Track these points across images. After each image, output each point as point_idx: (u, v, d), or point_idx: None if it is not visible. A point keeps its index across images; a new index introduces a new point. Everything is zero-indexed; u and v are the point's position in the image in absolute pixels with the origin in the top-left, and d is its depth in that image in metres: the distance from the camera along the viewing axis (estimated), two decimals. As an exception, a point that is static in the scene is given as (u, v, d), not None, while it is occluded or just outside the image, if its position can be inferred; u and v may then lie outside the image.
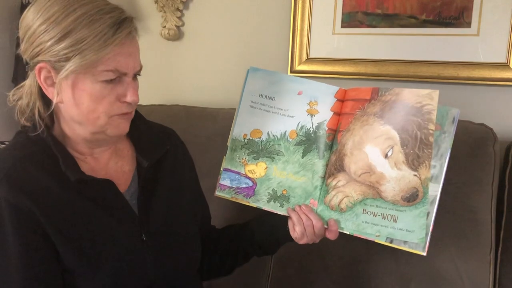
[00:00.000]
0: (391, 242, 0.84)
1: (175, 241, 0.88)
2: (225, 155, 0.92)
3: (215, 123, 1.39)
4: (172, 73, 1.69)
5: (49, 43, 0.73)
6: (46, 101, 0.80)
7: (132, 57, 0.78)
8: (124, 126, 0.81)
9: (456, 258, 1.09)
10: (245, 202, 0.91)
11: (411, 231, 0.83)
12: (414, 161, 0.83)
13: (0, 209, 0.72)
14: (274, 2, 1.53)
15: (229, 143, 0.93)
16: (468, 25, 1.30)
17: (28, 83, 0.80)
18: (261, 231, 0.96)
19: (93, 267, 0.77)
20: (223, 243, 1.01)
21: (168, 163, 0.92)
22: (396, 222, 0.83)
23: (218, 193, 0.92)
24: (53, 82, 0.76)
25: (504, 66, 1.27)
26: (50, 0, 0.74)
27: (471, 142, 1.13)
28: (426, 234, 0.82)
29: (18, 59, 3.13)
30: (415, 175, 0.83)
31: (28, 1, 3.08)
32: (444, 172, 0.82)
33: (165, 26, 1.65)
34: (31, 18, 0.75)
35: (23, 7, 3.09)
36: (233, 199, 0.92)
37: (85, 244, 0.77)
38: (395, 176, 0.84)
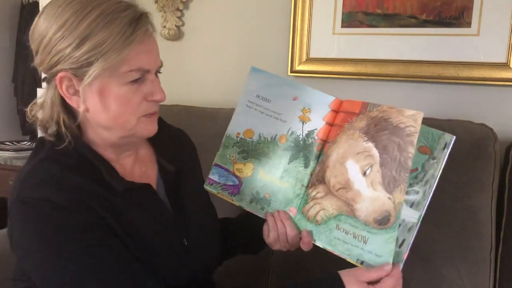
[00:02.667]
0: (361, 263, 0.80)
1: (208, 241, 0.89)
2: (218, 151, 0.93)
3: (215, 123, 1.39)
4: (172, 73, 1.70)
5: (68, 50, 0.70)
6: (69, 111, 0.77)
7: (153, 54, 0.77)
8: (153, 127, 0.80)
9: (456, 258, 1.09)
10: (229, 199, 0.91)
11: (379, 256, 0.78)
12: (390, 183, 0.79)
13: (66, 216, 0.70)
14: (274, 2, 1.53)
15: (223, 140, 0.93)
16: (468, 25, 1.30)
17: (47, 96, 0.77)
18: (242, 231, 0.97)
19: None
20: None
21: (187, 166, 0.92)
22: (365, 243, 0.79)
23: (206, 186, 0.93)
24: (75, 91, 0.73)
25: (504, 66, 1.27)
26: (61, 6, 0.71)
27: (471, 142, 1.13)
28: (398, 261, 0.77)
29: (18, 59, 3.13)
30: (389, 198, 0.79)
31: (28, 1, 3.08)
32: (428, 200, 0.77)
33: (165, 26, 1.65)
34: (43, 28, 0.72)
35: (23, 7, 3.10)
36: (219, 195, 0.92)
37: (133, 249, 0.75)
38: (370, 196, 0.80)
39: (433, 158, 0.78)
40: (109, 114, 0.74)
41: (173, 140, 0.92)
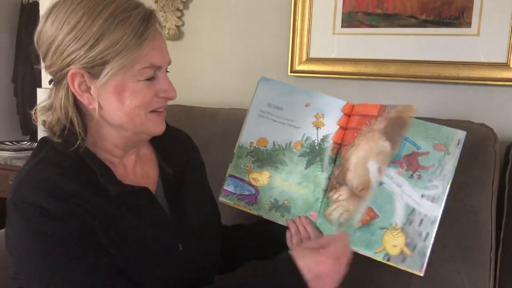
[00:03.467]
0: (388, 260, 0.83)
1: (206, 246, 0.88)
2: (231, 162, 0.92)
3: (215, 123, 1.39)
4: (172, 73, 1.69)
5: (82, 51, 0.70)
6: (79, 110, 0.77)
7: (164, 50, 0.77)
8: (162, 125, 0.81)
9: (456, 258, 1.09)
10: (247, 209, 0.92)
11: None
12: None
13: (55, 225, 0.70)
14: (274, 2, 1.53)
15: (235, 150, 0.93)
16: (468, 25, 1.30)
17: (55, 98, 0.76)
18: (262, 238, 0.96)
19: (132, 272, 0.76)
20: (229, 243, 1.00)
21: (189, 169, 0.91)
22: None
23: (221, 198, 0.93)
24: (87, 87, 0.73)
25: (504, 66, 1.27)
26: (70, 8, 0.71)
27: (471, 142, 1.13)
28: (423, 255, 0.82)
29: (18, 59, 3.13)
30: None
31: (28, 1, 3.08)
32: (446, 193, 0.83)
33: (165, 26, 1.65)
34: (52, 31, 0.72)
35: (23, 7, 3.10)
36: (236, 206, 0.92)
37: (125, 254, 0.75)
38: None
39: (448, 154, 0.84)
40: (123, 111, 0.74)
41: (174, 142, 0.92)
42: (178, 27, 1.67)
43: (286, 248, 0.90)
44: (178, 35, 1.67)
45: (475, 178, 1.11)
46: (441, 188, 0.83)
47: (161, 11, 1.65)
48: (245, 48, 1.60)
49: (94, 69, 0.71)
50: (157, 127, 0.80)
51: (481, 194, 1.11)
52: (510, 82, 1.27)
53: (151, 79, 0.75)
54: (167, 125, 0.89)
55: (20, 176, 0.74)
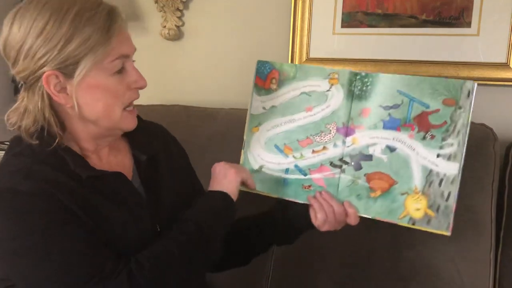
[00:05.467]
0: (413, 224, 0.82)
1: None
2: (243, 149, 0.93)
3: (215, 123, 1.39)
4: (172, 73, 1.69)
5: (55, 51, 0.72)
6: (54, 110, 0.78)
7: (130, 40, 0.81)
8: (134, 121, 0.84)
9: (456, 258, 1.09)
10: (266, 193, 0.92)
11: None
12: None
13: (27, 200, 0.72)
14: (274, 2, 1.53)
15: (245, 136, 0.93)
16: (468, 25, 1.30)
17: (28, 102, 0.77)
18: (284, 220, 0.95)
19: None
20: (241, 233, 0.99)
21: (164, 156, 0.93)
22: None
23: (241, 187, 0.92)
24: (61, 88, 0.75)
25: (504, 66, 1.27)
26: (34, 11, 0.73)
27: (471, 142, 1.13)
28: (448, 214, 0.80)
29: (18, 59, 3.14)
30: None
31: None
32: (464, 150, 0.79)
33: (165, 26, 1.65)
34: (21, 35, 0.73)
35: (23, 7, 3.09)
36: (255, 191, 0.92)
37: (102, 236, 0.76)
38: None
39: (460, 108, 0.80)
40: (98, 107, 0.77)
41: (145, 132, 0.93)
42: (178, 27, 1.67)
43: (310, 223, 0.90)
44: (178, 35, 1.67)
45: (475, 178, 1.11)
46: (457, 145, 0.80)
47: (161, 11, 1.65)
48: (245, 48, 1.60)
49: (68, 69, 0.73)
50: (130, 124, 0.83)
51: (481, 194, 1.11)
52: (510, 82, 1.27)
53: (120, 71, 0.78)
54: (139, 118, 0.91)
55: None
